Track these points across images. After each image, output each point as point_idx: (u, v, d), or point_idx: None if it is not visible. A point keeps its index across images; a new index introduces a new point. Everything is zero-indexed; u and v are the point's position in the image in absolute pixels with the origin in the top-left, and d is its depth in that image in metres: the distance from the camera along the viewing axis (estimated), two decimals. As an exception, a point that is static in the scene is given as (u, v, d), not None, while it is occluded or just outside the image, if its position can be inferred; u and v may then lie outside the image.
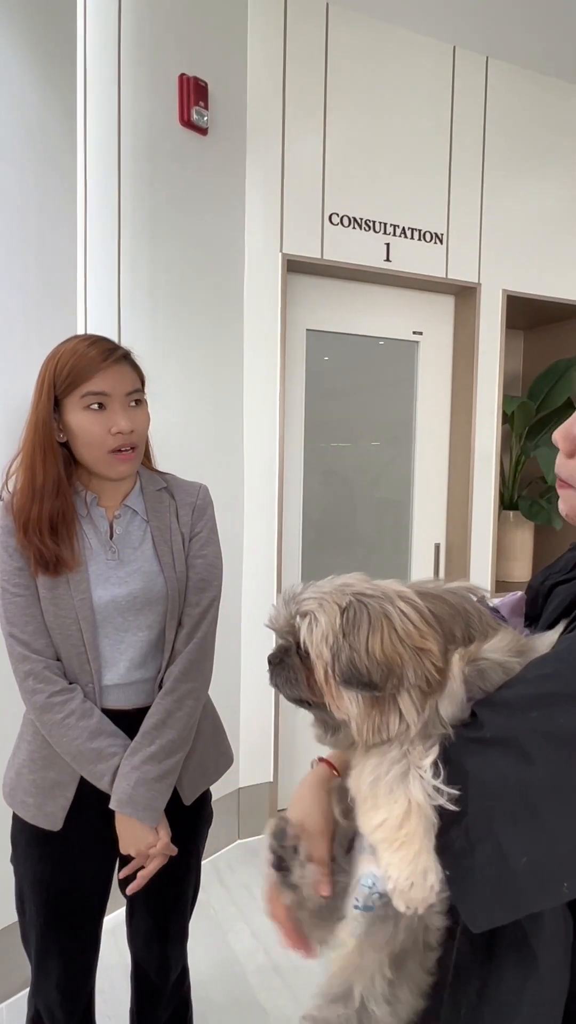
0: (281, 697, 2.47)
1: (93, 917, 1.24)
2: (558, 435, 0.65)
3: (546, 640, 0.62)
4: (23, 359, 1.72)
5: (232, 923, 2.14)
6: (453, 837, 0.52)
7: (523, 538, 3.28)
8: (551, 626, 0.66)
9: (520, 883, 0.49)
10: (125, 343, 1.36)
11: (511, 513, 3.23)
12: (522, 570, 3.30)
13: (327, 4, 2.50)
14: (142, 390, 1.21)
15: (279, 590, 2.56)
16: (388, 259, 2.69)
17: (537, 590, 0.78)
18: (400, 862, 0.55)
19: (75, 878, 1.19)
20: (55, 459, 1.14)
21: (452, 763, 0.54)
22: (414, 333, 2.94)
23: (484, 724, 0.54)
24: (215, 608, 1.25)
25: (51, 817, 1.14)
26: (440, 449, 3.07)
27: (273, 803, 2.64)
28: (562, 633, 0.63)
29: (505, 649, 0.58)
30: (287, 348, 2.57)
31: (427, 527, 3.07)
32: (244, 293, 2.46)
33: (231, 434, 2.45)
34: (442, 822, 0.54)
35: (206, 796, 1.33)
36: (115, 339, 1.97)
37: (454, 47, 2.74)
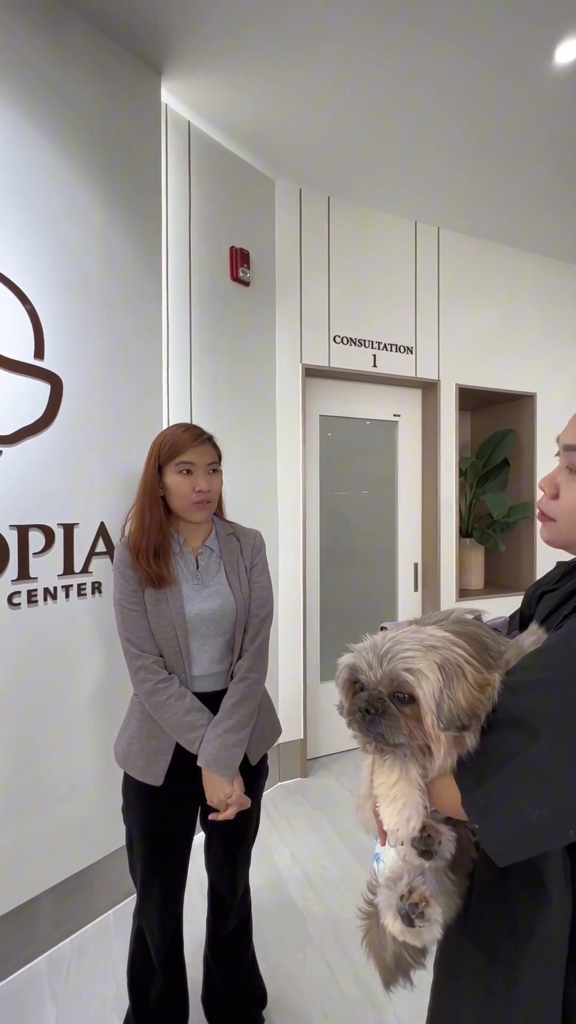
0: (308, 679, 2.36)
1: (182, 851, 1.19)
2: (543, 482, 0.62)
3: (528, 639, 0.59)
4: (131, 441, 1.76)
5: (276, 847, 2.05)
6: (478, 797, 0.49)
7: (476, 558, 3.22)
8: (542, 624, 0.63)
9: (534, 831, 0.47)
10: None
11: (468, 540, 3.17)
12: (476, 581, 3.23)
13: (328, 197, 2.58)
14: (219, 463, 1.21)
15: (304, 599, 2.53)
16: (375, 365, 2.69)
17: (531, 597, 0.74)
18: (391, 812, 0.55)
19: (170, 822, 1.15)
20: (158, 507, 1.15)
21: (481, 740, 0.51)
22: (394, 415, 2.93)
23: (497, 708, 0.51)
24: (270, 619, 1.23)
25: (155, 776, 1.11)
26: (415, 495, 3.03)
27: (303, 753, 2.56)
28: (549, 629, 0.60)
29: (516, 659, 0.56)
30: (307, 429, 2.57)
31: (408, 551, 3.01)
32: (276, 392, 2.47)
33: (270, 490, 2.43)
34: (468, 786, 0.51)
35: (264, 757, 1.28)
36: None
37: (415, 221, 2.80)
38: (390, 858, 0.67)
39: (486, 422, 3.44)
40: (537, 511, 0.65)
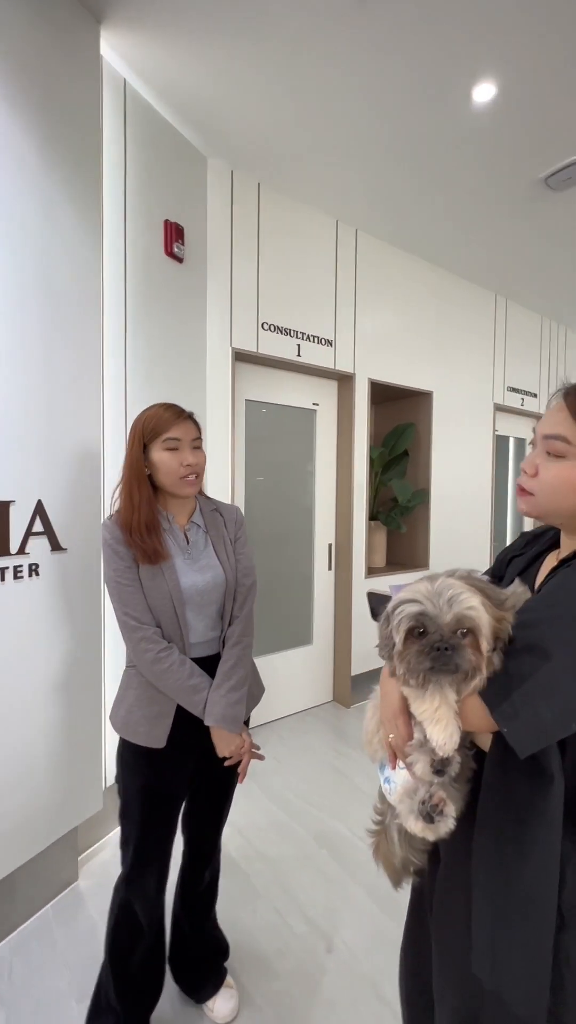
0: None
1: (177, 808, 1.22)
2: (525, 464, 0.75)
3: (519, 589, 0.71)
4: (69, 417, 1.65)
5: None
6: (505, 708, 0.61)
7: (380, 539, 3.49)
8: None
9: (548, 727, 0.59)
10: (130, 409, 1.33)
11: (373, 522, 3.43)
12: (380, 560, 3.52)
13: (259, 183, 2.61)
14: (200, 439, 1.22)
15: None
16: (299, 355, 2.79)
17: (502, 560, 0.88)
18: (438, 731, 0.66)
19: (168, 782, 1.18)
20: (146, 485, 1.16)
21: (501, 667, 0.63)
22: (313, 404, 3.06)
23: (514, 640, 0.63)
24: (255, 587, 1.28)
25: (158, 739, 1.14)
26: (330, 480, 3.20)
27: None
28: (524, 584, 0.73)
29: (517, 603, 0.68)
30: (235, 412, 2.61)
31: (323, 531, 3.19)
32: (207, 374, 2.46)
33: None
34: (495, 702, 0.62)
35: (248, 718, 1.32)
36: (121, 402, 1.95)
37: (337, 220, 2.94)
38: (401, 778, 0.79)
39: (389, 415, 3.74)
40: (517, 488, 0.78)
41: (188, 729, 1.16)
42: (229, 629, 1.22)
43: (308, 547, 3.15)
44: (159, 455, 1.16)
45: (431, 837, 0.72)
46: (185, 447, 1.17)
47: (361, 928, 1.60)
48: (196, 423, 1.22)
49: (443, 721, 0.64)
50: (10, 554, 1.49)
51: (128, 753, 1.18)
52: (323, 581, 3.21)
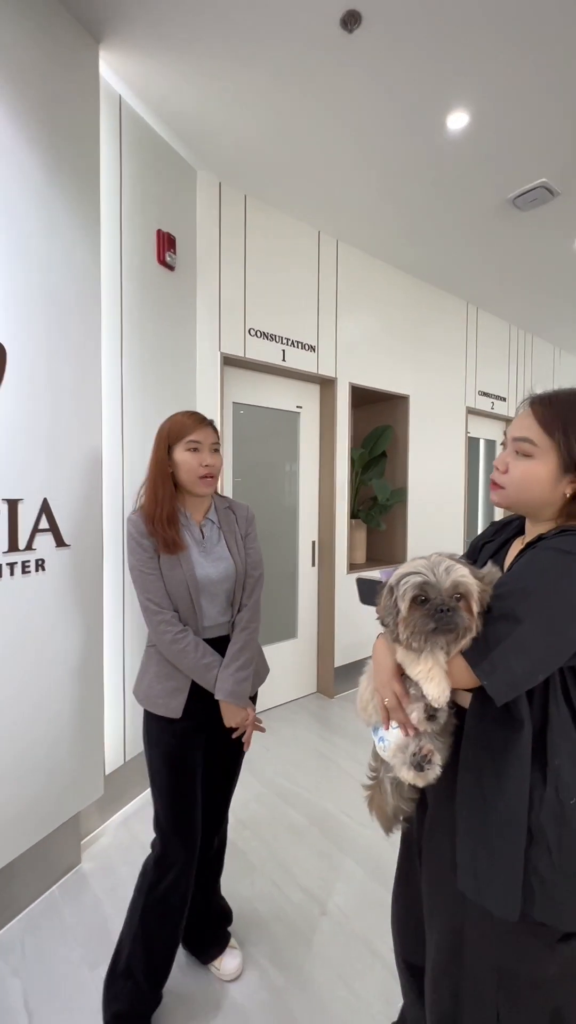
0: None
1: (196, 780, 1.31)
2: (497, 462, 0.87)
3: (493, 569, 0.83)
4: (72, 419, 1.73)
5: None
6: (485, 665, 0.74)
7: (360, 536, 3.63)
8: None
9: (520, 679, 0.72)
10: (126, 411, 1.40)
11: (354, 520, 3.57)
12: (360, 556, 3.66)
13: (245, 195, 2.72)
14: (218, 443, 1.34)
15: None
16: (284, 360, 2.90)
17: (475, 546, 1.00)
18: (432, 686, 0.78)
19: (188, 748, 1.28)
20: (169, 482, 1.29)
21: (481, 632, 0.75)
22: (297, 407, 3.18)
23: (492, 610, 0.75)
24: (263, 578, 1.39)
25: (175, 709, 1.26)
26: (313, 480, 3.32)
27: None
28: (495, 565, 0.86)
29: (492, 579, 0.81)
30: (223, 414, 2.70)
31: (307, 529, 3.31)
32: (196, 377, 2.55)
33: None
34: (477, 660, 0.74)
35: (255, 694, 1.42)
36: (118, 405, 2.04)
37: (319, 232, 3.08)
38: (394, 736, 0.92)
39: (368, 417, 3.89)
40: (491, 482, 0.91)
41: (201, 702, 1.28)
42: (238, 615, 1.34)
43: (293, 544, 3.27)
44: (182, 455, 1.28)
45: (421, 784, 0.85)
46: (205, 449, 1.29)
47: (351, 894, 1.73)
48: (215, 429, 1.34)
49: (436, 679, 0.77)
50: (19, 550, 1.56)
51: (152, 725, 1.29)
52: (307, 577, 3.34)
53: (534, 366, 5.04)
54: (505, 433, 0.90)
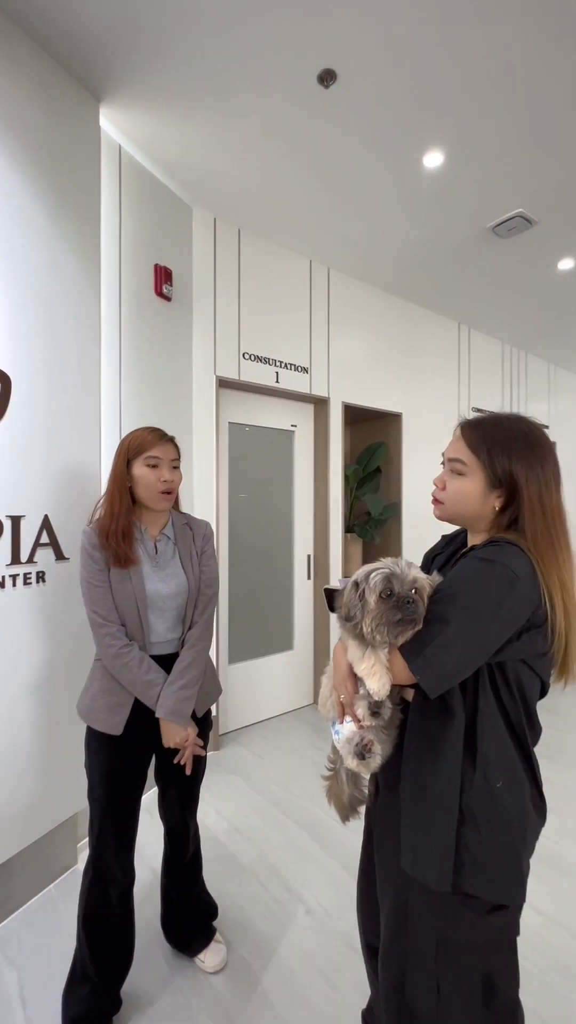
0: (219, 660, 2.64)
1: (138, 793, 1.32)
2: (436, 480, 0.97)
3: (436, 576, 0.91)
4: (71, 440, 1.86)
5: (202, 808, 2.20)
6: (419, 661, 0.82)
7: (356, 550, 3.74)
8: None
9: (449, 673, 0.80)
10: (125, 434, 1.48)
11: (349, 535, 3.68)
12: (355, 569, 3.76)
13: (239, 229, 2.89)
14: (178, 460, 1.35)
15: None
16: (277, 381, 3.03)
17: (428, 558, 1.10)
18: (373, 682, 0.86)
19: (127, 768, 1.28)
20: (126, 496, 1.29)
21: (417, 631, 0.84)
22: (291, 426, 3.30)
23: (428, 612, 0.83)
24: (216, 597, 1.39)
25: (115, 727, 1.25)
26: (308, 496, 3.42)
27: (216, 729, 2.76)
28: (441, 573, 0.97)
29: (435, 581, 0.89)
30: (219, 433, 2.83)
31: (302, 544, 3.40)
32: (193, 400, 2.69)
33: (186, 491, 2.61)
34: (413, 656, 0.83)
35: (208, 711, 1.43)
36: (116, 427, 2.16)
37: (311, 260, 3.23)
38: (348, 729, 1.01)
39: (362, 434, 4.01)
40: (432, 497, 1.01)
41: (144, 720, 1.26)
42: (188, 632, 1.32)
43: (288, 558, 3.37)
44: (140, 470, 1.28)
45: (364, 772, 0.94)
46: (164, 465, 1.29)
47: (335, 895, 1.79)
48: (176, 446, 1.35)
49: (377, 675, 0.86)
50: (21, 562, 1.69)
51: (92, 739, 1.28)
52: (303, 590, 3.43)
53: (528, 383, 5.14)
54: (443, 454, 1.01)
